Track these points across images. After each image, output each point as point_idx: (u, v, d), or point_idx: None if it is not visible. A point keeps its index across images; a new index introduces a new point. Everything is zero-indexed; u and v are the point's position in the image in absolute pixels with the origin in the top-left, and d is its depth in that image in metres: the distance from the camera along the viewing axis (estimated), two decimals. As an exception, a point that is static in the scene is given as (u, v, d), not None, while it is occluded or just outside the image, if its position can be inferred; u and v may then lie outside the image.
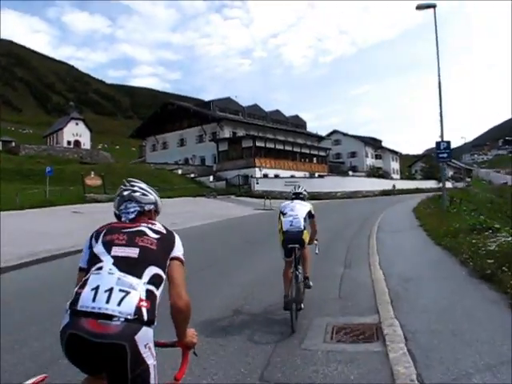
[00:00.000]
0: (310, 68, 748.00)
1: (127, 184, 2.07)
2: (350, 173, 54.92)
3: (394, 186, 48.50)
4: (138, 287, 1.64)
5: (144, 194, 2.04)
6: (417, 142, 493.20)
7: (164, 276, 1.77)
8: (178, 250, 1.90)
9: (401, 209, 22.94)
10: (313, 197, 34.28)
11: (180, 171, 38.88)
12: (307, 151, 48.21)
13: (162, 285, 1.76)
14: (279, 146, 43.88)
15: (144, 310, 1.59)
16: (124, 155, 67.20)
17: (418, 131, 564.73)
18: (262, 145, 41.91)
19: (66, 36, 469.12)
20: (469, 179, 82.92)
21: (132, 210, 1.98)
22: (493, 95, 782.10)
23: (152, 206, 2.05)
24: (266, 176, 40.03)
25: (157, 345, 1.73)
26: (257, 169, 38.50)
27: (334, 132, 67.84)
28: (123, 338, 1.52)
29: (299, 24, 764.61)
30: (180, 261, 1.88)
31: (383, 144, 74.44)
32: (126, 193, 2.02)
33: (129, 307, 1.57)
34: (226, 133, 44.63)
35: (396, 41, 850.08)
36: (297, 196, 5.12)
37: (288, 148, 45.16)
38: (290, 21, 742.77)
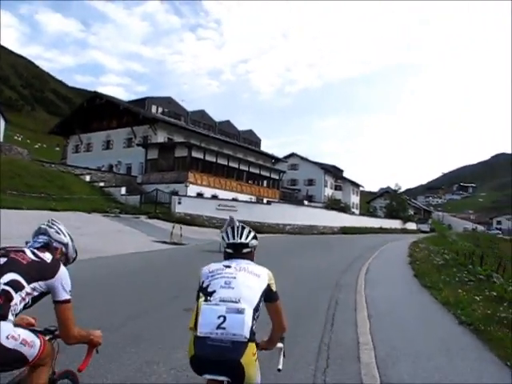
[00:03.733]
0: (276, 96, 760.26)
1: (49, 222, 2.23)
2: (306, 202, 48.18)
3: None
4: None
5: (57, 233, 2.19)
6: (372, 180, 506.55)
7: (25, 285, 1.88)
8: (64, 290, 1.98)
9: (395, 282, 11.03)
10: (255, 229, 27.16)
11: (88, 178, 30.68)
12: (257, 171, 40.98)
13: (23, 292, 1.87)
14: (222, 161, 36.54)
15: None
16: (56, 156, 58.57)
17: (374, 169, 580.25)
18: (201, 156, 34.48)
19: (35, 35, 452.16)
20: (429, 221, 79.88)
21: (40, 240, 2.14)
22: (447, 142, 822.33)
23: (61, 246, 2.19)
24: (200, 195, 32.56)
25: None
26: (184, 184, 30.99)
27: (292, 155, 60.60)
28: None
29: (270, 52, 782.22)
30: (65, 302, 1.98)
31: (344, 174, 68.87)
32: (43, 226, 2.20)
33: None
34: (160, 138, 36.89)
35: (359, 80, 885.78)
36: (237, 250, 2.17)
37: (233, 164, 37.85)
38: (262, 48, 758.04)
